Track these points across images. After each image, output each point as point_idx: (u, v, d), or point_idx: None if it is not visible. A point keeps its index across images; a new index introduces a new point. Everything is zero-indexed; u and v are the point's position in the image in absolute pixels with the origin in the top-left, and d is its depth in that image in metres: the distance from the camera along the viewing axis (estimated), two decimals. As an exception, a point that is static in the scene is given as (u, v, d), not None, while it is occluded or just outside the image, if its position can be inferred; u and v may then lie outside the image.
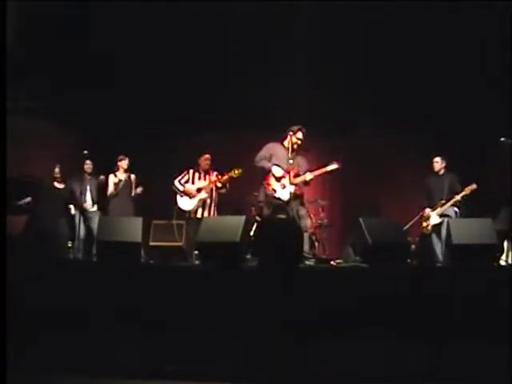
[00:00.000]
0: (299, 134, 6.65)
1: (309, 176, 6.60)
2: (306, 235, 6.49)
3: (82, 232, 7.72)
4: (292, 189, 6.44)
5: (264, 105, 8.75)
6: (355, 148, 9.03)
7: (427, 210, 7.42)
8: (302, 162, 6.76)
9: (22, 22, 8.01)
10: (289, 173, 6.49)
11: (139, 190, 8.03)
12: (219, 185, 7.59)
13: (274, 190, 6.52)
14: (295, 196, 6.49)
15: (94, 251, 7.14)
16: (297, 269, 4.88)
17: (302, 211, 6.63)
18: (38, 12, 8.04)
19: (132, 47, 8.59)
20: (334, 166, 6.67)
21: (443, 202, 7.27)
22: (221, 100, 9.00)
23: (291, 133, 6.58)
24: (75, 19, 8.18)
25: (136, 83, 8.83)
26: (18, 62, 7.89)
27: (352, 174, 9.26)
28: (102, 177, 8.03)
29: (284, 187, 6.51)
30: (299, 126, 6.67)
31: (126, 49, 8.59)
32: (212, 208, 7.61)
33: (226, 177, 7.51)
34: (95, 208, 7.97)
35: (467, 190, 7.10)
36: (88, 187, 7.91)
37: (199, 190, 7.58)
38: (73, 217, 7.82)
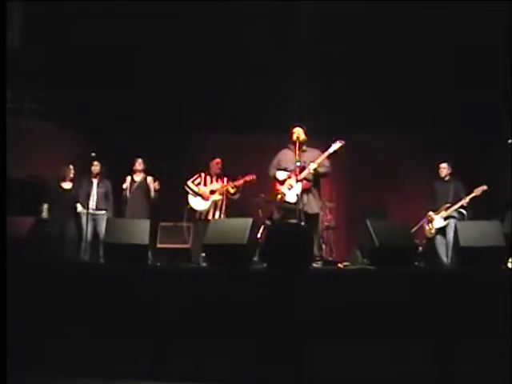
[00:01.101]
0: (297, 130, 6.52)
1: (312, 165, 6.35)
2: (315, 237, 6.41)
3: (89, 234, 7.72)
4: (299, 187, 6.24)
5: (268, 108, 8.76)
6: (361, 151, 9.01)
7: (430, 213, 7.44)
8: (312, 154, 6.51)
9: (31, 23, 8.07)
10: (294, 172, 6.29)
11: (156, 185, 7.94)
12: (232, 190, 7.60)
13: (284, 194, 6.39)
14: (304, 191, 6.29)
15: (101, 253, 7.20)
16: (306, 274, 4.88)
17: (315, 203, 6.45)
18: (49, 12, 8.09)
19: (138, 48, 8.61)
20: (337, 145, 6.42)
21: (448, 205, 7.28)
22: (226, 102, 9.00)
23: (291, 133, 6.50)
24: (82, 19, 8.22)
25: (143, 84, 8.86)
26: (26, 63, 7.95)
27: (359, 176, 9.30)
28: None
29: (291, 188, 6.37)
30: (295, 124, 6.58)
31: (133, 50, 8.61)
32: (223, 210, 7.63)
33: (241, 181, 7.52)
34: (102, 210, 7.87)
35: (477, 191, 7.11)
36: (95, 188, 7.88)
37: (213, 192, 7.61)
38: (80, 218, 7.78)
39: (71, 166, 7.94)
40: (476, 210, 7.23)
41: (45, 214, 7.60)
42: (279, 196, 6.45)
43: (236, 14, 8.42)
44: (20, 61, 7.62)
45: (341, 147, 6.42)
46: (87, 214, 7.53)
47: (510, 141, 6.64)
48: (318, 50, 8.52)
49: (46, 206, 7.65)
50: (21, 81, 7.96)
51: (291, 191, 6.35)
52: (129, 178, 8.02)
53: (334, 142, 6.46)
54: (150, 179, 7.99)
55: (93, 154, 7.66)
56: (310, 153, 6.54)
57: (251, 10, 8.27)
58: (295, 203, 6.18)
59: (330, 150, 6.42)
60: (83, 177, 7.94)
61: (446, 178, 7.52)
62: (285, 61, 8.66)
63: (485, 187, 7.10)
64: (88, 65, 8.53)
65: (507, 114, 7.81)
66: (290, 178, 6.43)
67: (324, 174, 6.59)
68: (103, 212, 7.86)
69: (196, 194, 7.61)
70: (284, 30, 8.55)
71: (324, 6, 8.10)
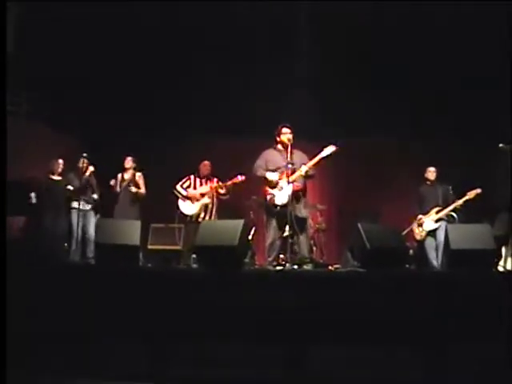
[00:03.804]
0: (285, 131, 6.46)
1: (304, 168, 6.26)
2: (305, 239, 6.42)
3: (80, 230, 7.63)
4: (290, 189, 6.13)
5: (264, 110, 8.75)
6: (353, 153, 9.01)
7: (420, 216, 7.46)
8: (299, 157, 6.44)
9: (24, 25, 8.05)
10: (285, 174, 6.23)
11: (134, 188, 7.86)
12: (222, 191, 7.60)
13: (274, 196, 6.32)
14: (294, 194, 6.19)
15: (91, 253, 7.16)
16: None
17: (304, 207, 6.43)
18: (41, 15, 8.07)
19: (136, 49, 8.60)
20: (330, 149, 6.29)
21: (439, 208, 7.31)
22: (219, 105, 8.99)
23: (280, 134, 6.47)
24: (77, 21, 8.19)
25: (137, 86, 8.85)
26: (21, 65, 7.91)
27: (350, 179, 9.31)
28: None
29: (281, 189, 6.28)
30: (282, 124, 6.51)
31: (131, 50, 8.60)
32: (213, 213, 7.63)
33: (230, 183, 7.52)
34: (89, 207, 7.79)
35: (471, 194, 7.15)
36: (85, 183, 7.77)
37: (202, 195, 7.61)
38: (71, 213, 7.68)
39: (60, 161, 7.89)
40: (467, 213, 7.26)
41: (33, 200, 7.53)
42: (269, 197, 6.38)
43: (234, 16, 8.42)
44: (17, 63, 7.60)
45: (334, 151, 6.33)
46: (79, 209, 7.47)
47: (501, 145, 6.67)
48: (318, 55, 8.54)
49: (33, 194, 7.59)
50: (16, 82, 7.92)
51: (282, 192, 6.28)
52: (119, 176, 8.00)
53: (327, 146, 6.36)
54: (138, 175, 7.96)
55: (84, 155, 7.62)
56: (298, 155, 6.45)
57: (250, 12, 8.28)
58: (285, 205, 6.15)
59: (323, 154, 6.31)
60: (73, 172, 7.87)
61: (434, 182, 7.57)
62: (282, 62, 8.67)
63: (478, 190, 7.15)
64: (85, 66, 8.51)
65: (501, 117, 7.86)
66: (280, 179, 6.36)
67: (311, 176, 6.51)
68: (90, 209, 7.81)
69: (185, 198, 7.61)
70: (283, 31, 8.56)
71: (324, 6, 8.12)
